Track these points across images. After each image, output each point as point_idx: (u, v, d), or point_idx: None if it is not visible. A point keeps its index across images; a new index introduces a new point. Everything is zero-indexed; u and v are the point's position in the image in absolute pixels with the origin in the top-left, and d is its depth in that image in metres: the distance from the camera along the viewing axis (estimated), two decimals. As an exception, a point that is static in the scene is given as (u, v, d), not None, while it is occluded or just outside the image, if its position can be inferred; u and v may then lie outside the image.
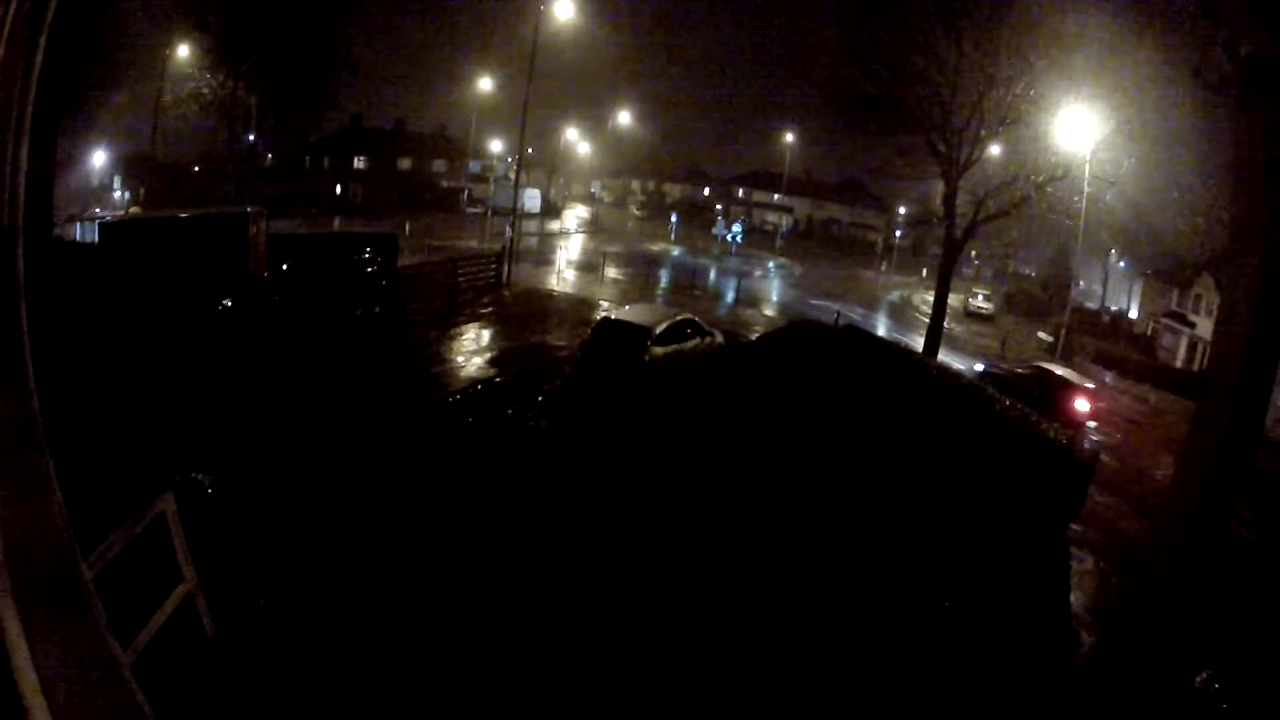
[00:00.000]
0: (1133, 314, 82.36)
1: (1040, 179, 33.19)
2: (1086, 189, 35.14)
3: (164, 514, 6.66)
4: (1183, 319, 64.66)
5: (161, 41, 51.55)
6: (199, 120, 54.33)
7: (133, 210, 66.74)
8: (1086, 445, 18.22)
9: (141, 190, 76.77)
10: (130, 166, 79.63)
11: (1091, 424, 32.83)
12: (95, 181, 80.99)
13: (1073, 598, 14.33)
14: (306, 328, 23.78)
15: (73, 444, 3.93)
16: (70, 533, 3.03)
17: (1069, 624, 9.45)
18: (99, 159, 75.04)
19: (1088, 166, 33.84)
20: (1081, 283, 64.63)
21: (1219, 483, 10.17)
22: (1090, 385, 35.35)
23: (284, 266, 26.45)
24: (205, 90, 50.68)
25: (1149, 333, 73.51)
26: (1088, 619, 13.96)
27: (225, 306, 23.47)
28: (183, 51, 52.12)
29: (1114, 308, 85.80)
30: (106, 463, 5.94)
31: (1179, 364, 60.97)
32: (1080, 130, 33.04)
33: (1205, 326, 57.66)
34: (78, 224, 48.11)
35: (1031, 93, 31.59)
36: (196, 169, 77.29)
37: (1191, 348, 58.30)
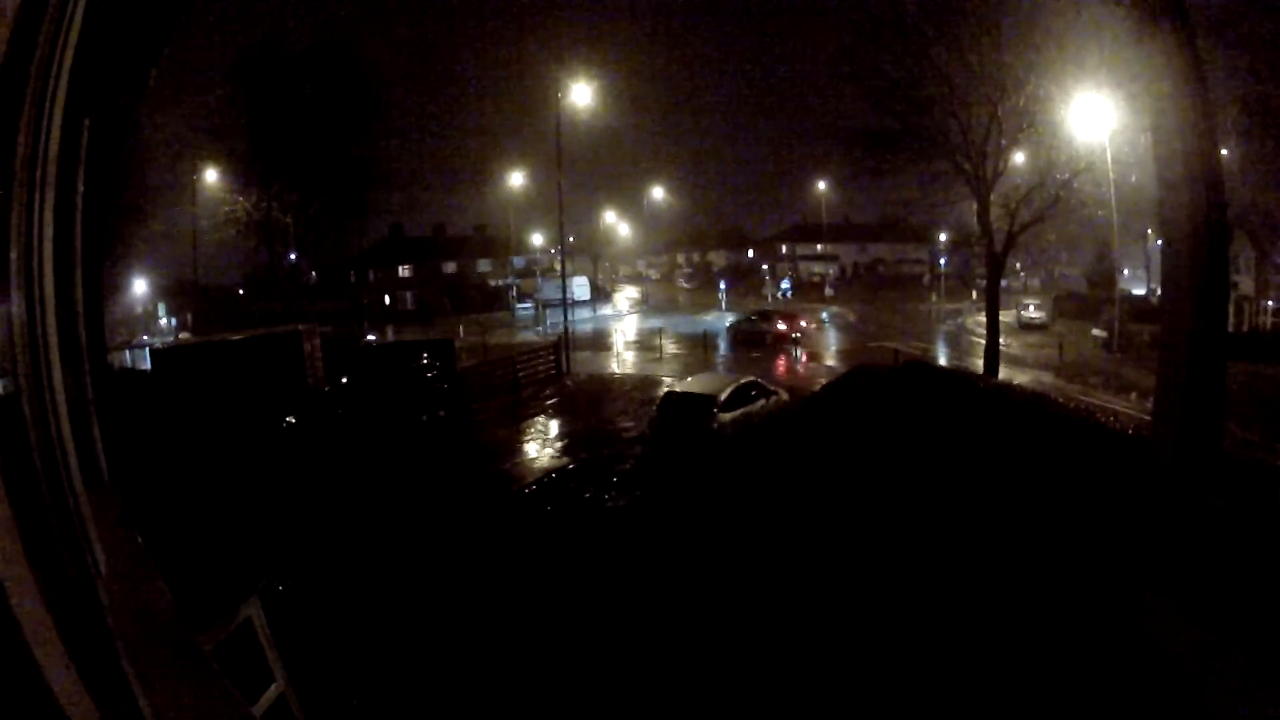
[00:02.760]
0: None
1: (1066, 176, 32.92)
2: (1111, 175, 34.83)
3: (250, 619, 6.80)
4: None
5: (189, 167, 52.52)
6: (239, 243, 55.07)
7: (182, 336, 68.09)
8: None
9: (189, 315, 78.34)
10: (174, 293, 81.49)
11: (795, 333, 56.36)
12: (140, 309, 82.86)
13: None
14: (374, 436, 24.05)
15: (157, 557, 4.11)
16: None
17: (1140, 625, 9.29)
18: (140, 287, 76.84)
19: (1108, 152, 33.47)
20: (1126, 270, 63.64)
21: (1193, 394, 9.99)
22: (793, 316, 60.51)
23: (343, 380, 26.87)
24: (240, 214, 51.37)
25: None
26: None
27: (289, 423, 23.82)
28: (212, 176, 52.94)
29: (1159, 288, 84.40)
30: (190, 574, 6.09)
31: (1230, 328, 59.48)
32: (1095, 117, 32.63)
33: (1247, 284, 56.57)
34: (128, 350, 49.30)
35: (1041, 92, 31.38)
36: (242, 291, 78.64)
37: (1239, 309, 57.08)
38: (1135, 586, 10.00)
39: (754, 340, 57.06)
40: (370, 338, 51.74)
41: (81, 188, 3.33)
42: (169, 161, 49.25)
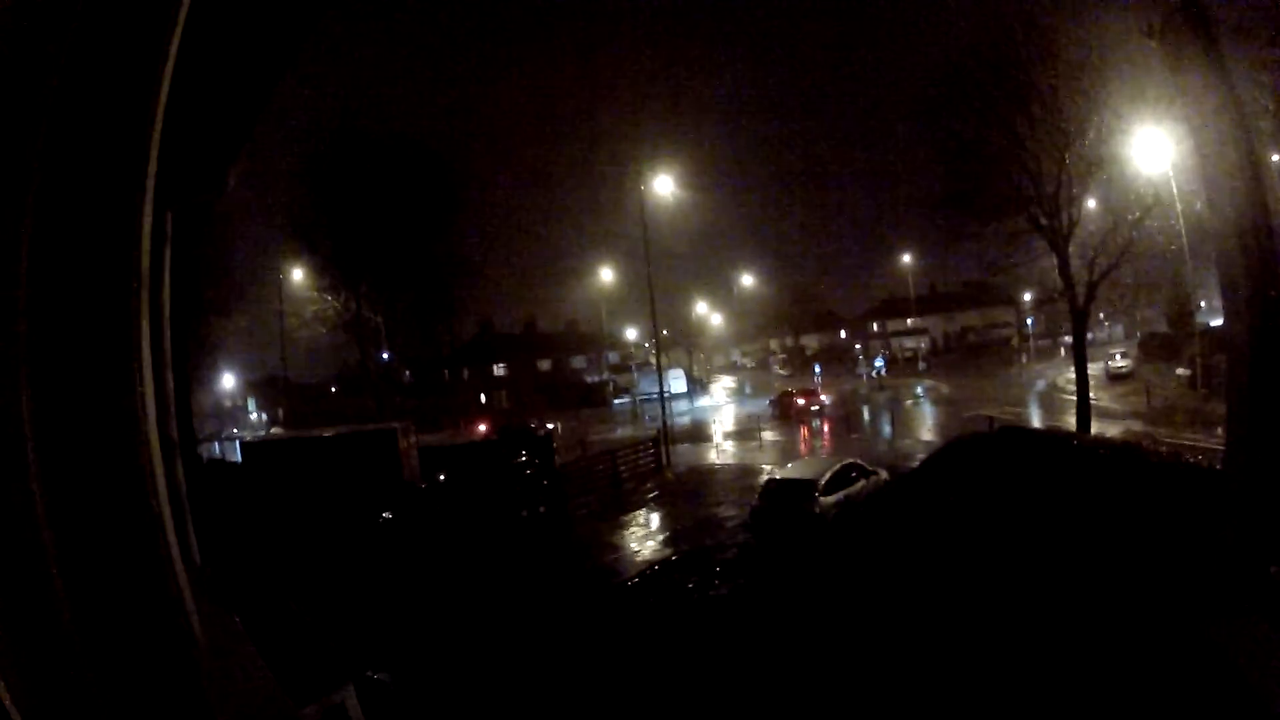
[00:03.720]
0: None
1: (1136, 214, 32.51)
2: (1179, 206, 34.29)
3: (344, 705, 6.92)
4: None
5: (276, 264, 53.56)
6: (328, 340, 55.89)
7: (273, 431, 69.32)
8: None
9: (279, 410, 79.88)
10: (264, 388, 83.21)
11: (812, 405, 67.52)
12: (229, 403, 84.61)
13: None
14: (471, 531, 24.23)
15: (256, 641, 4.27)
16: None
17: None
18: (229, 381, 78.55)
19: (1173, 183, 32.96)
20: (1203, 303, 62.27)
21: (1263, 406, 9.77)
22: (812, 392, 72.96)
23: (440, 477, 27.16)
24: (330, 312, 52.12)
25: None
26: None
27: (385, 519, 24.12)
28: (299, 274, 53.84)
29: None
30: (287, 659, 6.24)
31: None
32: (1157, 149, 31.93)
33: None
34: (217, 443, 50.23)
35: (1105, 131, 31.13)
36: (334, 388, 79.91)
37: None
38: (1204, 598, 9.92)
39: (782, 411, 68.69)
40: (550, 426, 53.42)
41: (169, 282, 3.55)
42: (256, 259, 50.26)
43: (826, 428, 58.08)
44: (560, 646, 16.19)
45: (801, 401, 69.46)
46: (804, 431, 55.14)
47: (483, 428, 64.16)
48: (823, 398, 71.53)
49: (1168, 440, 29.31)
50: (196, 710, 2.99)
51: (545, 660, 15.25)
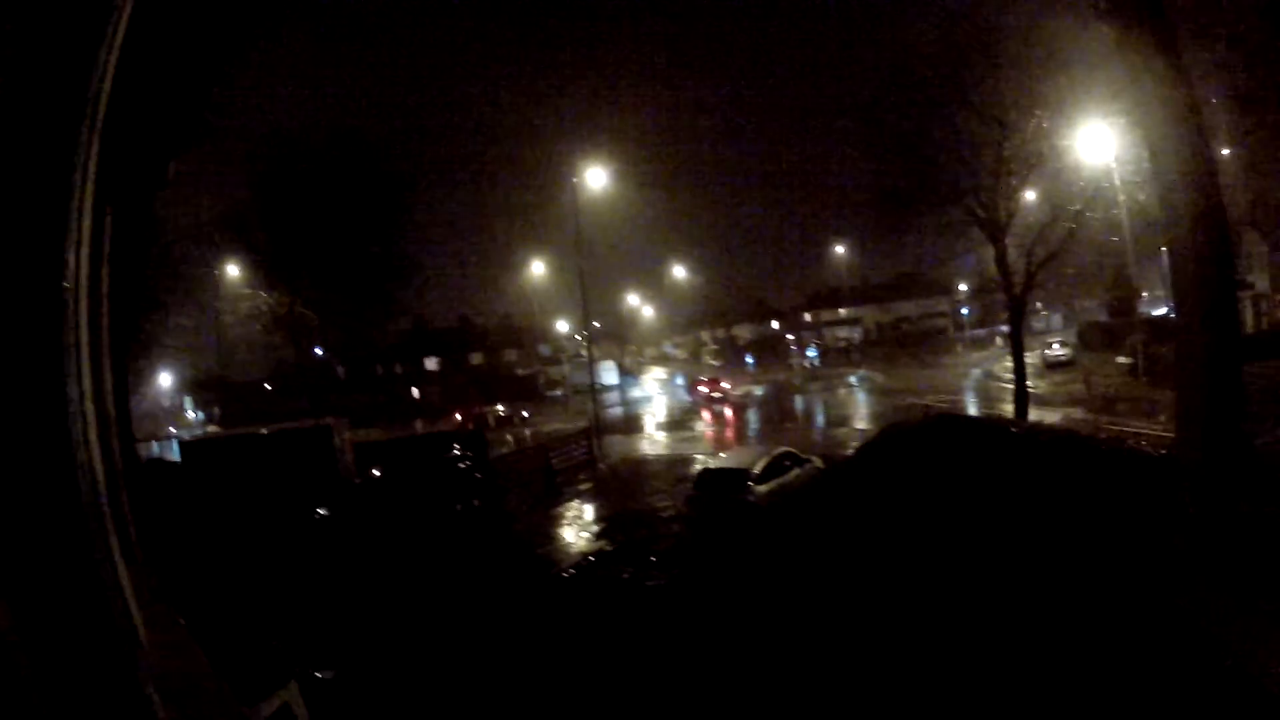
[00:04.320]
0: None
1: (1077, 206, 32.81)
2: (1121, 198, 34.65)
3: (288, 705, 6.86)
4: (1241, 283, 62.41)
5: (213, 262, 52.93)
6: (263, 338, 55.50)
7: (210, 429, 68.73)
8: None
9: (216, 409, 79.33)
10: (201, 387, 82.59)
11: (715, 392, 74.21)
12: (167, 402, 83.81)
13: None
14: (407, 526, 24.10)
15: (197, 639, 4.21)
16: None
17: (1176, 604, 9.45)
18: (166, 380, 77.89)
19: (1115, 175, 33.30)
20: (1145, 293, 63.06)
21: (1212, 390, 10.03)
22: (714, 380, 80.00)
23: (375, 472, 27.04)
24: (264, 308, 51.78)
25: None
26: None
27: (322, 515, 23.96)
28: (235, 271, 53.29)
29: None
30: (228, 658, 6.16)
31: (1248, 329, 59.19)
32: (1100, 142, 32.86)
33: (1263, 283, 56.23)
34: (155, 442, 49.71)
35: (1046, 124, 31.42)
36: (269, 386, 79.43)
37: (1256, 307, 56.35)
38: (1167, 572, 10.14)
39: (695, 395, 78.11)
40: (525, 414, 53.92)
41: (108, 278, 3.48)
42: (193, 257, 49.61)
43: (759, 417, 58.24)
44: (498, 640, 16.12)
45: (705, 389, 76.93)
46: (736, 421, 55.34)
47: (458, 417, 64.82)
48: (724, 385, 77.38)
49: (1111, 427, 29.70)
50: (137, 709, 2.94)
51: (484, 654, 15.19)
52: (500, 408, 73.67)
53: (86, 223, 3.11)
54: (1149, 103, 10.05)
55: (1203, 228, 9.54)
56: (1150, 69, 9.67)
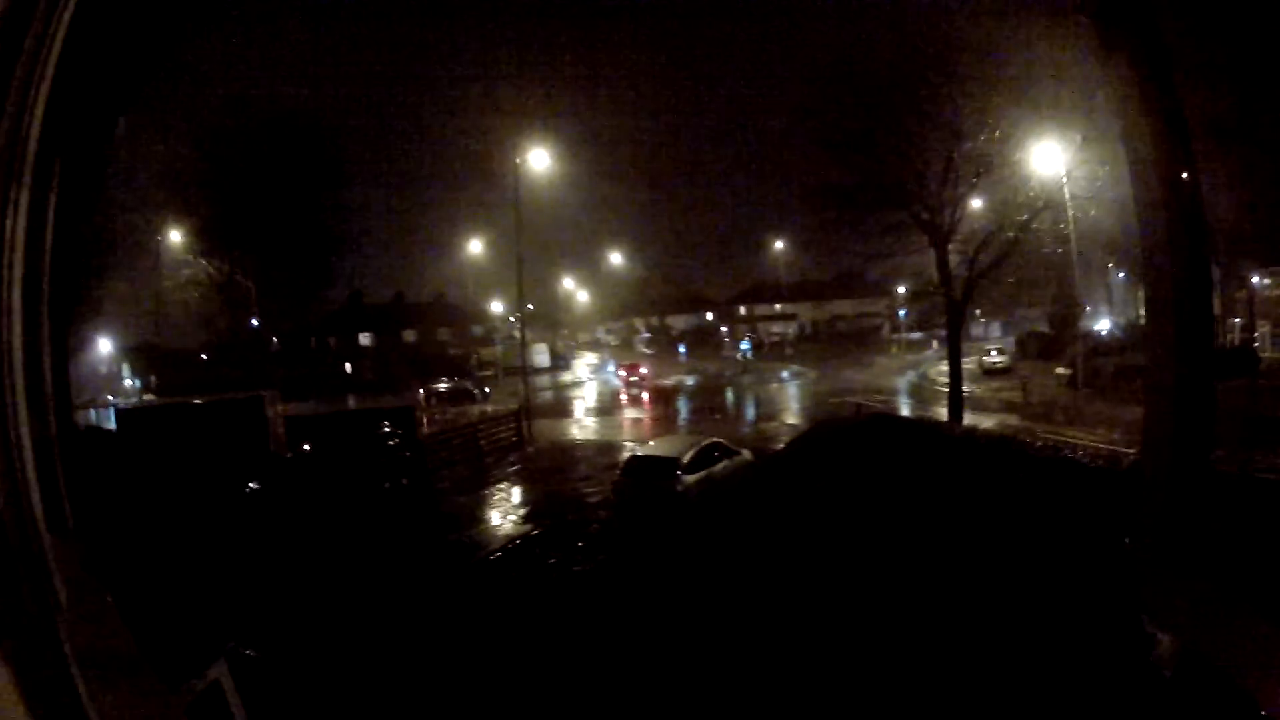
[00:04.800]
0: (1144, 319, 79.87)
1: (1024, 217, 33.05)
2: (1070, 212, 34.90)
3: (219, 681, 6.76)
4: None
5: (154, 227, 52.41)
6: (200, 306, 55.18)
7: (146, 398, 67.99)
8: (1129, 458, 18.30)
9: (152, 378, 78.50)
10: (137, 354, 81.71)
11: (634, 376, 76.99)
12: (104, 369, 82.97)
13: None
14: (336, 503, 23.92)
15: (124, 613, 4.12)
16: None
17: (1142, 629, 9.55)
18: (105, 346, 77.17)
19: (1066, 190, 33.50)
20: (1088, 307, 63.89)
21: (1183, 412, 10.23)
22: (635, 365, 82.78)
23: (305, 447, 26.86)
24: (202, 276, 51.57)
25: (1160, 330, 71.05)
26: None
27: (251, 488, 23.76)
28: (176, 237, 52.79)
29: (1123, 320, 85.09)
30: (157, 632, 6.05)
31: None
32: (1052, 155, 32.63)
33: (1215, 304, 57.89)
34: (93, 409, 49.07)
35: (999, 134, 31.62)
36: (205, 356, 78.77)
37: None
38: (1132, 569, 10.35)
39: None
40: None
41: (51, 236, 3.36)
42: (132, 219, 49.23)
43: (690, 407, 58.37)
44: (424, 620, 16.05)
45: (625, 373, 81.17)
46: (667, 409, 55.45)
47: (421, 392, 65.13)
48: (642, 370, 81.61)
49: (1047, 436, 30.02)
50: (56, 678, 2.87)
51: (410, 634, 15.11)
52: (469, 384, 75.02)
53: (29, 177, 3.02)
54: (1133, 117, 10.07)
55: (1183, 250, 9.62)
56: (1138, 81, 9.70)
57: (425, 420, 43.57)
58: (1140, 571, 10.76)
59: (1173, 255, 9.78)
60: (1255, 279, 54.14)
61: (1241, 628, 8.84)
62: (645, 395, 68.32)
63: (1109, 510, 13.98)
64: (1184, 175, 9.82)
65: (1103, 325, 70.22)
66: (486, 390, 73.19)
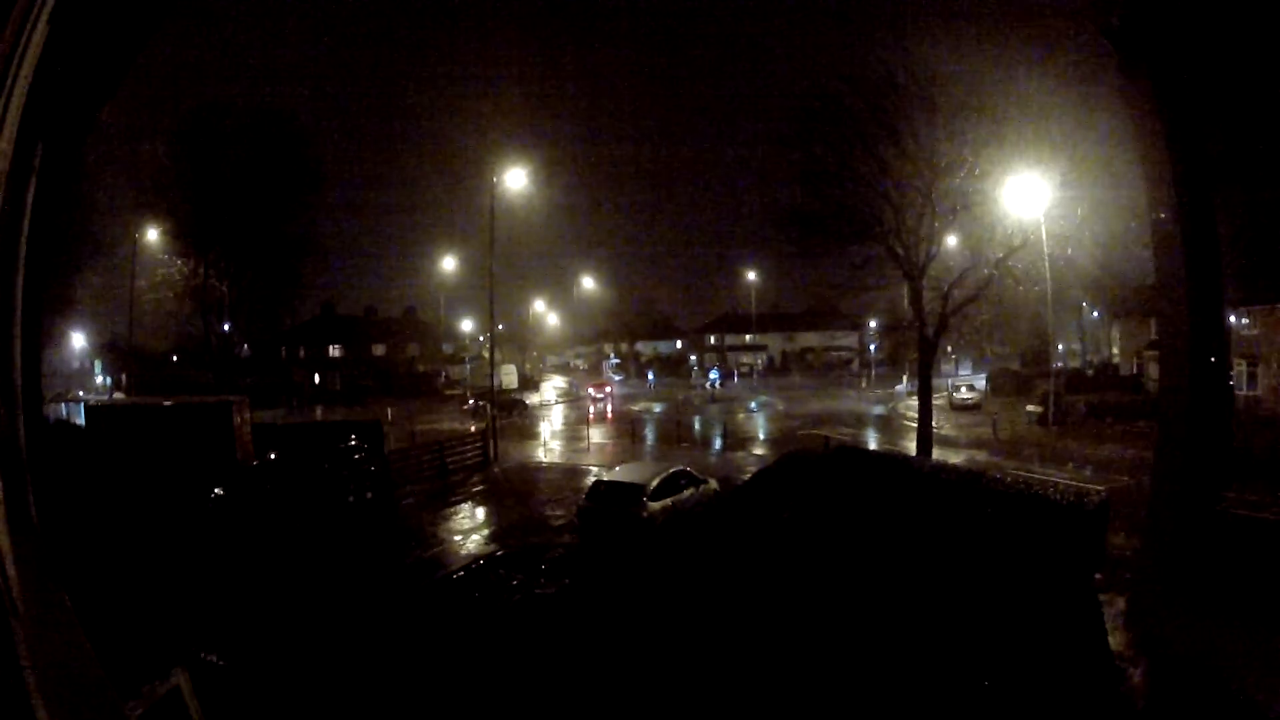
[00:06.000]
0: (1117, 358, 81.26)
1: (1000, 255, 33.16)
2: (1046, 250, 35.04)
3: (178, 687, 6.62)
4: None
5: (131, 226, 52.42)
6: (173, 307, 55.21)
7: (117, 396, 67.79)
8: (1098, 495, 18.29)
9: (123, 376, 78.39)
10: (108, 352, 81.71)
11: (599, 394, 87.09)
12: (76, 364, 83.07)
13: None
14: (300, 514, 23.75)
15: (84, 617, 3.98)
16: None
17: (1111, 663, 9.53)
18: (78, 342, 77.28)
19: (1043, 228, 33.55)
20: (1061, 345, 64.40)
21: (1194, 465, 10.28)
22: (602, 384, 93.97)
23: (271, 455, 26.68)
24: (176, 277, 51.62)
25: (1135, 370, 73.26)
26: (1130, 654, 14.41)
27: (216, 495, 23.58)
28: (153, 236, 52.75)
29: (1095, 359, 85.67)
30: (117, 637, 5.93)
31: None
32: (1029, 194, 33.00)
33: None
34: (64, 404, 48.77)
35: (977, 171, 31.70)
36: (175, 358, 78.58)
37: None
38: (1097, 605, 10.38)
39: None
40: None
41: (29, 224, 3.23)
42: (110, 217, 49.44)
43: (657, 434, 58.29)
44: (383, 638, 15.87)
45: (592, 390, 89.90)
46: (634, 436, 55.32)
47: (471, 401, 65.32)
48: (608, 389, 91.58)
49: (1016, 472, 30.07)
50: (9, 679, 2.73)
51: (368, 647, 14.93)
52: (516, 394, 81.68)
53: (5, 165, 2.91)
54: (1147, 148, 10.06)
55: (1199, 293, 9.60)
56: (1157, 116, 9.68)
57: (391, 436, 43.31)
58: (1100, 612, 10.75)
59: (1189, 287, 9.76)
60: (1231, 317, 54.75)
61: (1245, 645, 8.90)
62: (612, 420, 68.04)
63: (1077, 547, 13.96)
64: (1202, 204, 9.80)
65: (1072, 364, 70.77)
66: (526, 403, 78.31)
